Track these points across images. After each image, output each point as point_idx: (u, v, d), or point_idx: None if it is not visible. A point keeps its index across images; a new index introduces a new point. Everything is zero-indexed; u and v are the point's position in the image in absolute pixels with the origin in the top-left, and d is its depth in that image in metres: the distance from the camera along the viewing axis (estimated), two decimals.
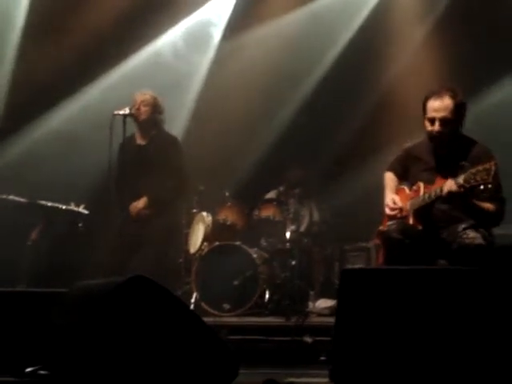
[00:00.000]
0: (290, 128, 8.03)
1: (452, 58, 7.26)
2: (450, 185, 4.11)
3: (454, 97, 4.35)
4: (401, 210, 4.50)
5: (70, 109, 7.65)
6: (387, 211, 4.57)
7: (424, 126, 4.47)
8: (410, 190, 4.58)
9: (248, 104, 7.72)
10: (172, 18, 7.92)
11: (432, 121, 4.38)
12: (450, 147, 4.43)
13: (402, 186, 4.71)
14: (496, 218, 4.35)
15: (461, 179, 4.04)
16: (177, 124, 7.57)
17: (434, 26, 7.46)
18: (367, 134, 7.65)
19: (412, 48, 7.53)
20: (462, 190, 4.04)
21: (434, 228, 4.41)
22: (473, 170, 3.99)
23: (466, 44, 7.19)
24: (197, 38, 8.08)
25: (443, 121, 4.34)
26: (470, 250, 4.16)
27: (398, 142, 5.30)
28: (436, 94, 4.40)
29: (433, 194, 4.27)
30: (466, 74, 6.87)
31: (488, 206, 4.27)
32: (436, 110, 4.36)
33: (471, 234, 4.23)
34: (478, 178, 3.95)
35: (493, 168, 3.91)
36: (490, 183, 3.94)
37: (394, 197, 4.59)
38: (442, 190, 4.16)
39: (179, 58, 7.98)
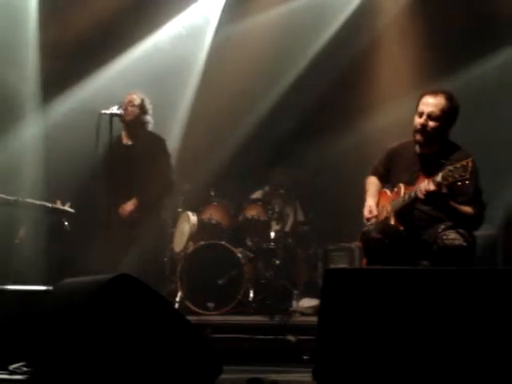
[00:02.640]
0: (275, 128, 8.05)
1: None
2: (427, 184, 4.11)
3: (448, 98, 4.39)
4: (377, 217, 4.53)
5: (58, 107, 7.62)
6: (364, 221, 4.60)
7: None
8: (392, 192, 4.59)
9: (234, 103, 7.71)
10: (167, 13, 7.91)
11: (420, 115, 4.41)
12: (434, 148, 4.44)
13: (384, 189, 4.71)
14: (475, 221, 4.34)
15: (439, 177, 4.05)
16: (170, 124, 7.58)
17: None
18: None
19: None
20: (440, 188, 4.05)
21: (416, 229, 4.41)
22: (450, 168, 3.99)
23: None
24: (191, 34, 8.08)
25: (430, 115, 4.37)
26: (451, 250, 4.15)
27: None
28: (432, 92, 4.45)
29: (412, 194, 4.27)
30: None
31: (467, 209, 4.27)
32: (426, 104, 4.40)
33: (451, 234, 4.20)
34: (456, 175, 3.94)
35: (470, 164, 3.90)
36: (467, 179, 3.92)
37: (370, 204, 4.62)
38: (420, 190, 4.15)
39: (172, 55, 7.96)
